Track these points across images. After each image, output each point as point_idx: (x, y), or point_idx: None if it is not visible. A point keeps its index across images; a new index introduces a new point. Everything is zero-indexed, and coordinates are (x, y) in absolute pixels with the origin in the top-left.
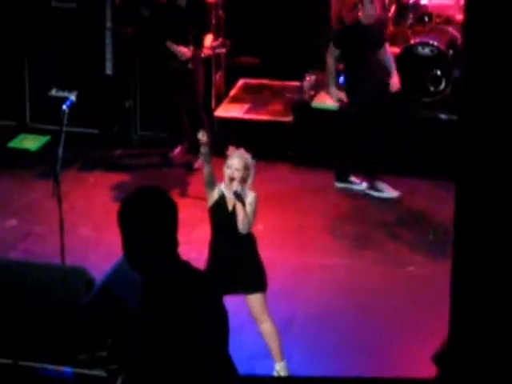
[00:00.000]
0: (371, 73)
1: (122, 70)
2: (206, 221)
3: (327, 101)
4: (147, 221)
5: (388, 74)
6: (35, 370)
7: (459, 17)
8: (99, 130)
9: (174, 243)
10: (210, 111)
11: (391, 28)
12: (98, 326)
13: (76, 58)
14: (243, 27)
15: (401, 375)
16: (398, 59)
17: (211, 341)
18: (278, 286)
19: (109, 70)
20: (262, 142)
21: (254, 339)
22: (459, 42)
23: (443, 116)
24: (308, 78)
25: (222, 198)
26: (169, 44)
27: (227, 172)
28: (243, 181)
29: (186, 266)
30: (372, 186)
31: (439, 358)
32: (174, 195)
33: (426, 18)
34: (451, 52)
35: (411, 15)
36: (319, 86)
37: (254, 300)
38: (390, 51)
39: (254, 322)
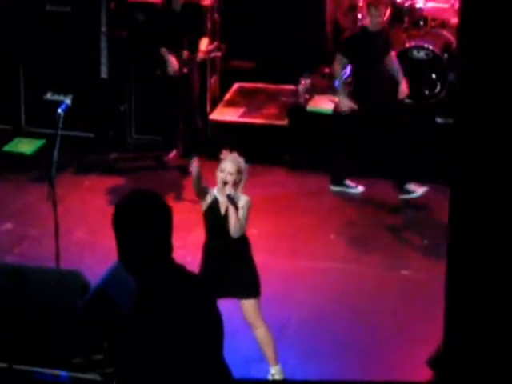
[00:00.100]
0: (379, 80)
1: (117, 74)
2: (201, 225)
3: (322, 104)
4: (141, 224)
5: (396, 82)
6: (30, 374)
7: (454, 20)
8: (94, 134)
9: (169, 247)
10: (205, 115)
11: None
12: (94, 330)
13: (71, 62)
14: (238, 31)
15: (395, 379)
16: None
17: (205, 344)
18: (272, 290)
19: (104, 74)
20: (256, 146)
21: (249, 343)
22: (454, 45)
23: (438, 119)
24: (303, 82)
25: (215, 202)
26: (162, 51)
27: (220, 176)
28: (236, 184)
29: (181, 270)
30: (402, 190)
31: (434, 362)
32: (169, 199)
33: (421, 22)
34: (446, 55)
35: (406, 19)
36: (314, 90)
37: (247, 305)
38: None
39: (249, 326)
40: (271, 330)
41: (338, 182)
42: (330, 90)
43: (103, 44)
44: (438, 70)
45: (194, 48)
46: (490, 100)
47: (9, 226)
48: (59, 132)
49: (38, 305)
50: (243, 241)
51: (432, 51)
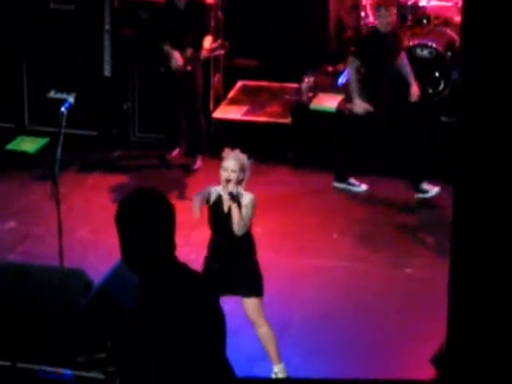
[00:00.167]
0: (390, 81)
1: (121, 72)
2: (204, 223)
3: (325, 103)
4: (144, 222)
5: (406, 83)
6: (34, 372)
7: (457, 19)
8: (98, 132)
9: (172, 245)
10: (209, 113)
11: None
12: (97, 328)
13: (74, 59)
14: (242, 29)
15: (399, 377)
16: None
17: (208, 343)
18: (277, 288)
19: (107, 72)
20: (260, 144)
21: (252, 341)
22: (457, 43)
23: (442, 118)
24: (306, 80)
25: (219, 199)
26: (166, 47)
27: (223, 174)
28: (239, 182)
29: (184, 268)
30: (418, 189)
31: (438, 360)
32: (173, 197)
33: (425, 20)
34: (449, 54)
35: (410, 17)
36: (317, 88)
37: (250, 304)
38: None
39: (251, 324)
40: (276, 327)
41: (342, 178)
42: (333, 88)
43: (107, 42)
44: (441, 68)
45: (198, 46)
46: (493, 98)
47: (12, 224)
48: (62, 130)
49: (41, 303)
50: (247, 238)
51: (435, 49)
